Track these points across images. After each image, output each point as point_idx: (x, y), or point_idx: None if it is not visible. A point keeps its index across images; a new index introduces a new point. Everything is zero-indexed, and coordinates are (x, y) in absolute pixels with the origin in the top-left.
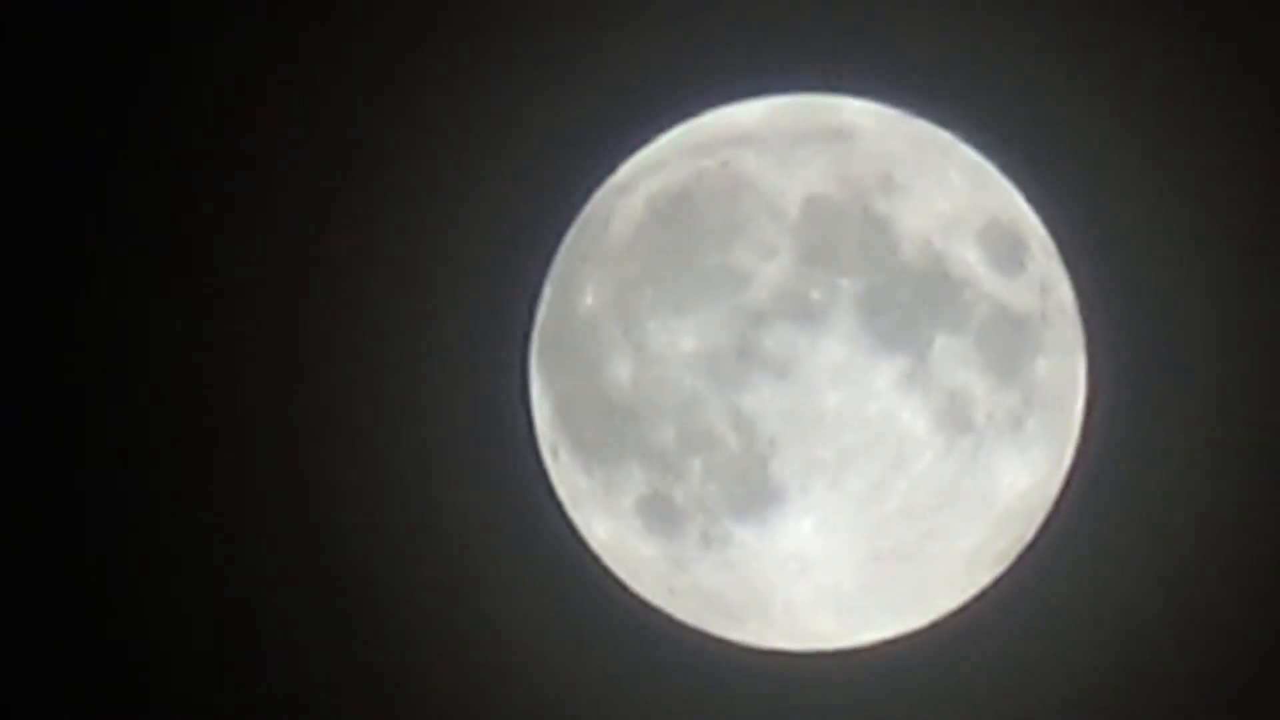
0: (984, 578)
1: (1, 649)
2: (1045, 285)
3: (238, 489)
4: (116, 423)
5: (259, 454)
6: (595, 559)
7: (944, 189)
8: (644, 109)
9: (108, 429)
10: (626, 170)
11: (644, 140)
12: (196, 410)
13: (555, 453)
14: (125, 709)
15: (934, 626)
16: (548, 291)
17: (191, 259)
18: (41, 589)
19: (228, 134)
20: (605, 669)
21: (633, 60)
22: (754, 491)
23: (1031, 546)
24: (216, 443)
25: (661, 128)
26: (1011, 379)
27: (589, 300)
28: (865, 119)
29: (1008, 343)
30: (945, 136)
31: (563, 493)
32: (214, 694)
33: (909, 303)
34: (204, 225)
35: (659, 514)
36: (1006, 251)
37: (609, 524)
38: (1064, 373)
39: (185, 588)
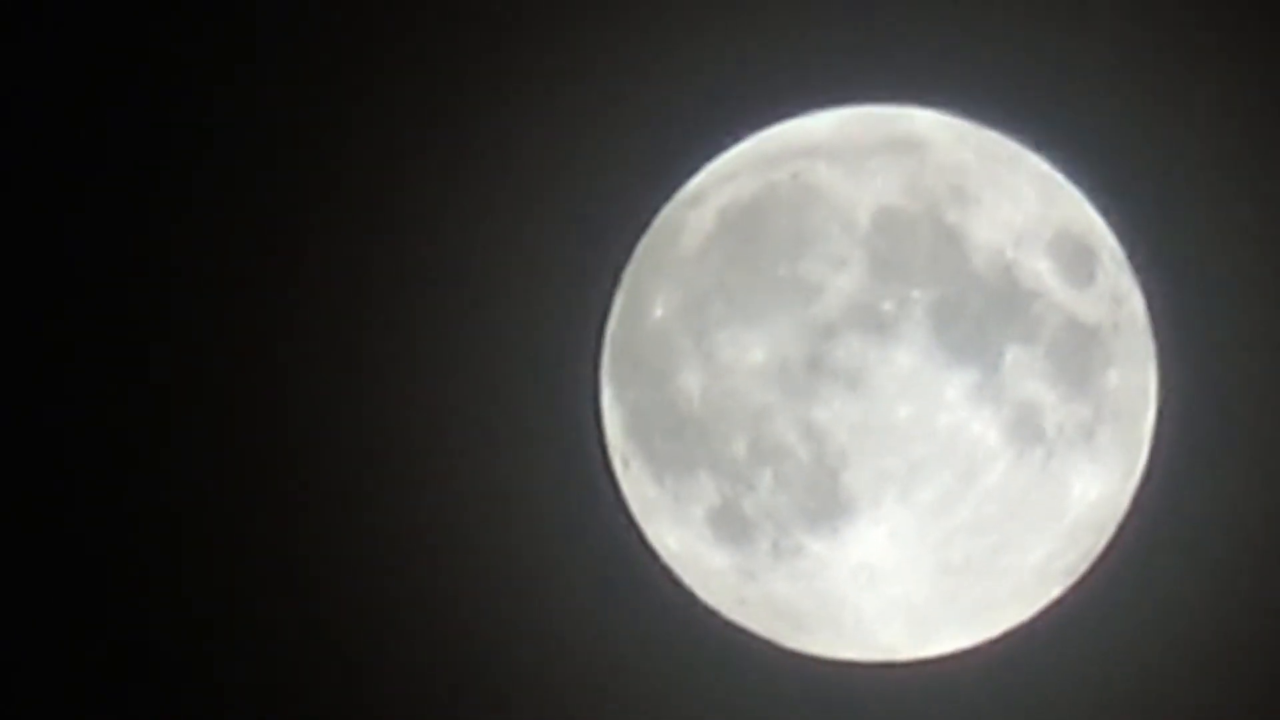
0: (1054, 590)
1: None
2: (1116, 296)
3: (302, 500)
4: (177, 419)
5: (327, 463)
6: (666, 569)
7: (1014, 200)
8: (714, 121)
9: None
10: (697, 182)
11: (715, 152)
12: (259, 414)
13: (626, 463)
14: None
15: (1003, 638)
16: (619, 302)
17: (257, 266)
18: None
19: (292, 131)
20: (675, 679)
21: (703, 72)
22: (824, 503)
23: (1102, 558)
24: (280, 455)
25: (732, 140)
26: (1082, 390)
27: (659, 311)
28: (935, 130)
29: (1078, 354)
30: (1015, 147)
31: (633, 503)
32: (269, 696)
33: (979, 314)
34: (272, 228)
35: (729, 525)
36: (1077, 262)
37: (679, 534)
38: (1135, 384)
39: (236, 595)
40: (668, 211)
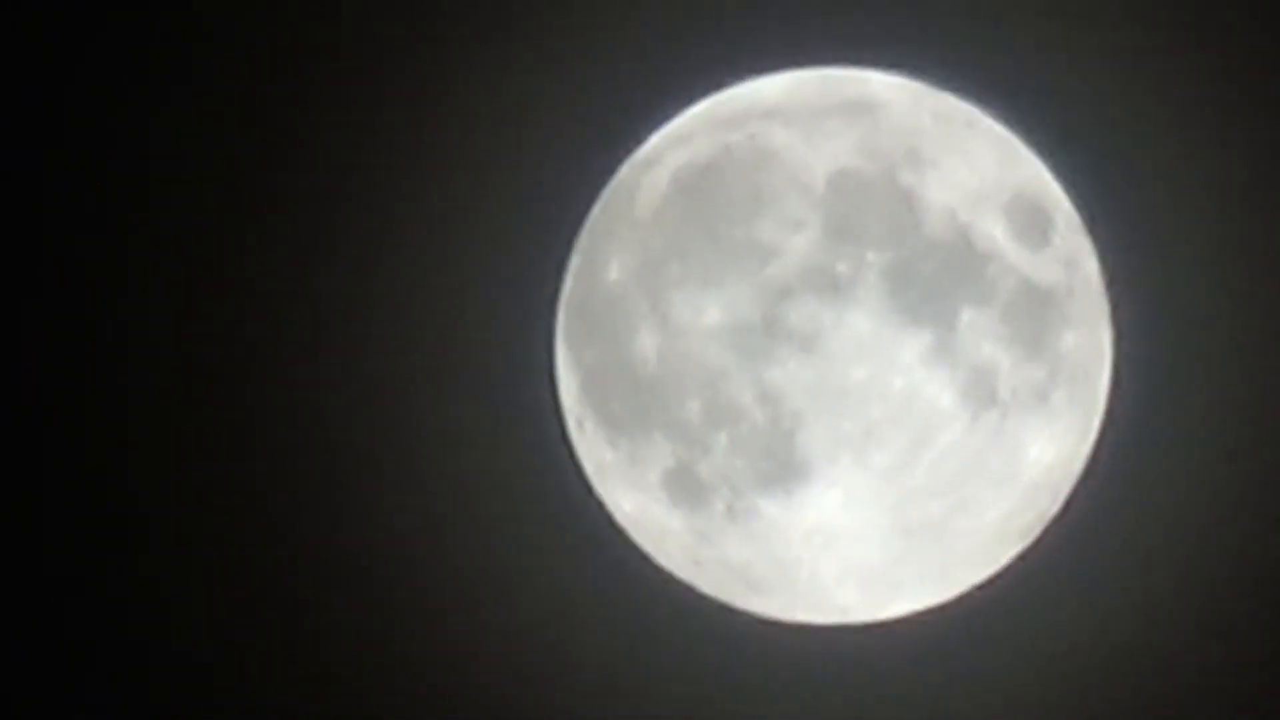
0: (1010, 551)
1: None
2: (1071, 259)
3: (254, 464)
4: (137, 394)
5: (277, 427)
6: (620, 532)
7: (970, 163)
8: (669, 83)
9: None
10: (652, 144)
11: (669, 114)
12: (212, 383)
13: (581, 425)
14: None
15: (960, 600)
16: (573, 264)
17: (212, 236)
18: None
19: (248, 101)
20: (630, 641)
21: (658, 34)
22: (779, 465)
23: (1057, 520)
24: (226, 419)
25: (687, 101)
26: (1037, 352)
27: (614, 273)
28: (892, 92)
29: (1033, 316)
30: (971, 110)
31: (588, 465)
32: (234, 673)
33: (935, 277)
34: (216, 203)
35: (684, 487)
36: (1032, 225)
37: (634, 497)
38: (1090, 346)
39: (208, 566)
40: (623, 174)
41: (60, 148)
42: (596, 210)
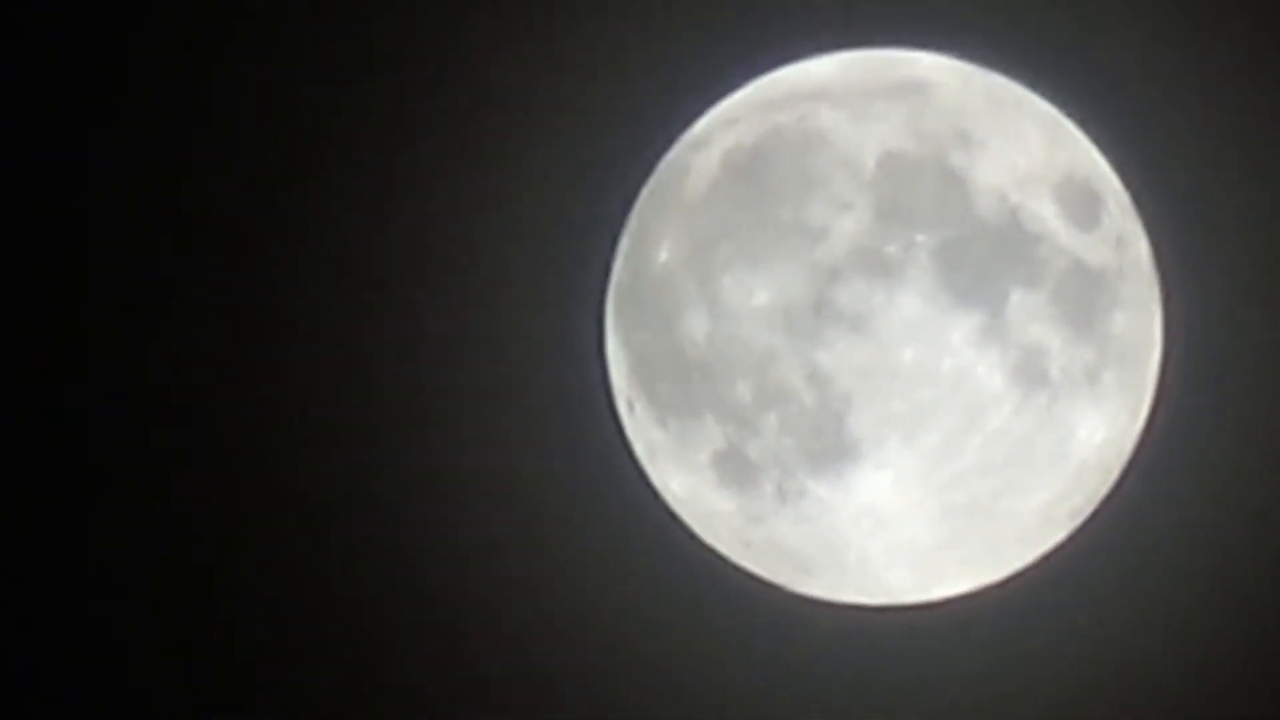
0: (1059, 533)
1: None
2: (1121, 240)
3: (299, 447)
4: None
5: (328, 409)
6: (671, 513)
7: (1020, 144)
8: (719, 65)
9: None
10: (702, 126)
11: (719, 96)
12: (256, 367)
13: (631, 407)
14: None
15: (1008, 581)
16: (624, 246)
17: (260, 221)
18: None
19: (290, 86)
20: (680, 622)
21: (707, 17)
22: (829, 446)
23: (1106, 502)
24: (277, 405)
25: (737, 84)
26: (1087, 333)
27: (664, 255)
28: (940, 73)
29: (1083, 297)
30: (1020, 90)
31: (639, 447)
32: (277, 658)
33: (984, 258)
34: (264, 188)
35: (734, 468)
36: (1082, 206)
37: (684, 478)
38: (1140, 327)
39: (251, 545)
40: (672, 156)
41: (107, 126)
42: (646, 193)
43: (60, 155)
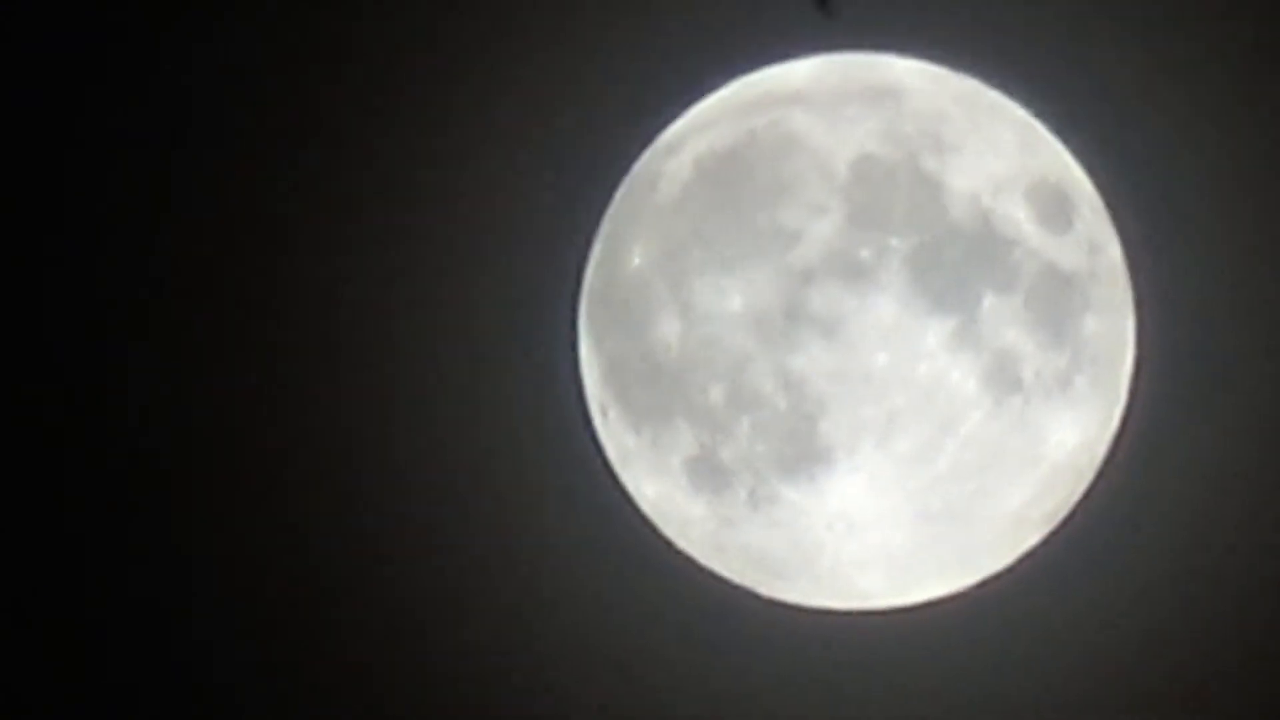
0: (1032, 537)
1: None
2: (1094, 244)
3: (275, 457)
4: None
5: (296, 418)
6: (643, 518)
7: (993, 148)
8: (691, 69)
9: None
10: (675, 130)
11: (692, 100)
12: (235, 374)
13: (604, 412)
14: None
15: (982, 586)
16: (596, 251)
17: (235, 227)
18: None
19: (269, 80)
20: (652, 627)
21: (680, 20)
22: (802, 451)
23: (1080, 505)
24: (243, 411)
25: (709, 88)
26: (1060, 338)
27: (637, 260)
28: (914, 78)
29: (1056, 302)
30: (994, 95)
31: (611, 452)
32: (258, 663)
33: (958, 262)
34: (239, 195)
35: (707, 473)
36: (1055, 210)
37: (657, 483)
38: (1113, 332)
39: (229, 558)
40: (645, 160)
41: (85, 142)
42: (619, 197)
43: (46, 154)
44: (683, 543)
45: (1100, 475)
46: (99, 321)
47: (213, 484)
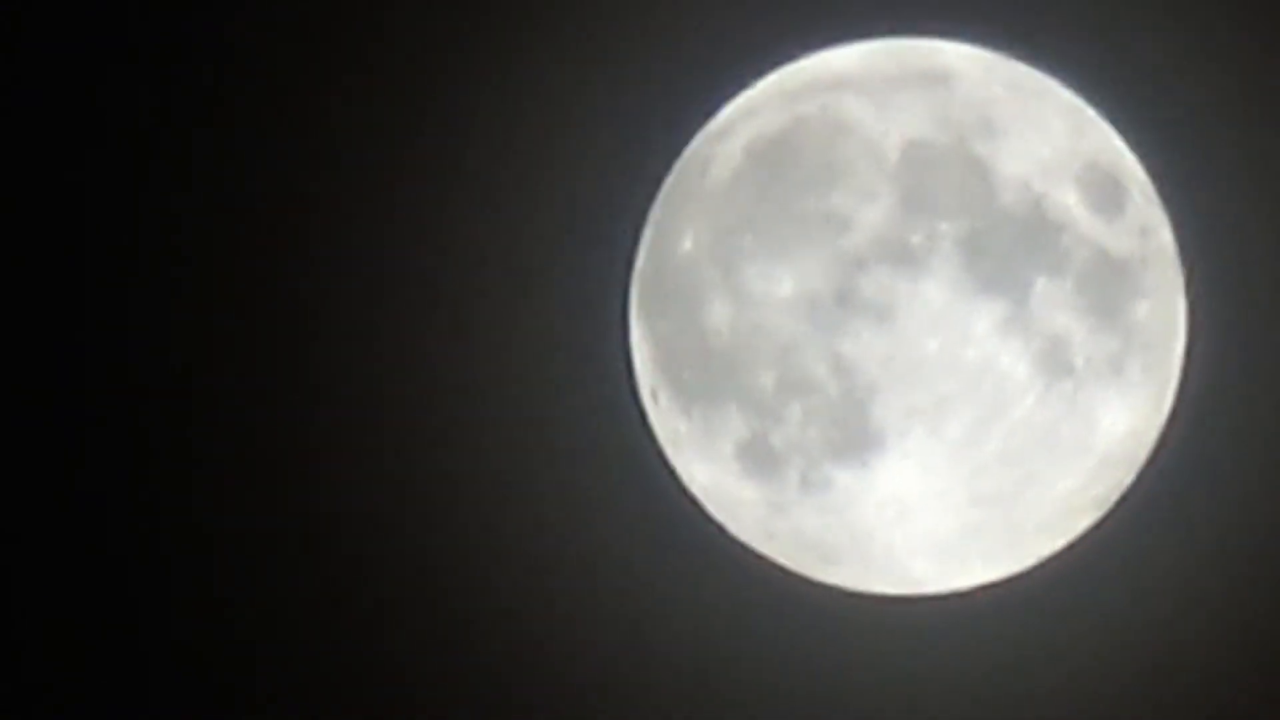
0: (1083, 522)
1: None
2: (1145, 228)
3: (318, 441)
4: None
5: (348, 396)
6: (694, 502)
7: (1043, 132)
8: (741, 55)
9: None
10: (725, 116)
11: (742, 86)
12: (274, 360)
13: (655, 396)
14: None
15: (1033, 571)
16: (647, 236)
17: (297, 204)
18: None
19: (314, 73)
20: (704, 612)
21: (732, 6)
22: (853, 436)
23: (1131, 491)
24: (296, 401)
25: (759, 73)
26: (1111, 322)
27: (688, 245)
28: (964, 62)
29: (1107, 286)
30: (1044, 79)
31: (662, 436)
32: (303, 651)
33: (1008, 247)
34: (290, 178)
35: (758, 458)
36: (1106, 195)
37: (708, 468)
38: (1164, 316)
39: (273, 539)
40: (696, 145)
41: (123, 120)
42: (670, 183)
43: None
44: (734, 528)
45: (1151, 460)
46: (125, 307)
47: (263, 466)
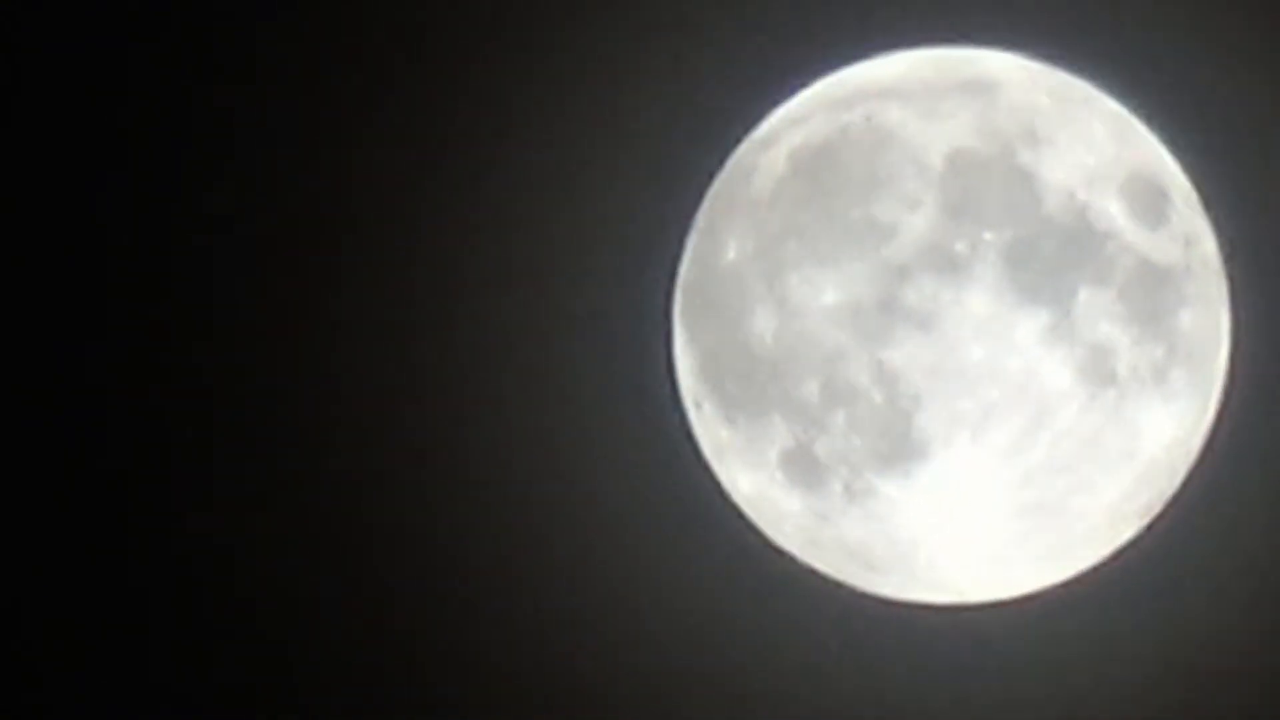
0: (1127, 531)
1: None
2: (1189, 237)
3: (361, 446)
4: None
5: (392, 409)
6: (738, 512)
7: (1087, 141)
8: (786, 63)
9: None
10: (769, 124)
11: (786, 95)
12: (322, 359)
13: (699, 406)
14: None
15: (1077, 580)
16: (691, 245)
17: (329, 216)
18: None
19: (353, 74)
20: (747, 621)
21: (775, 15)
22: (897, 445)
23: (1175, 500)
24: (343, 403)
25: (803, 82)
26: (1155, 331)
27: (732, 254)
28: (1008, 71)
29: (1151, 295)
30: (1088, 88)
31: (706, 446)
32: (351, 657)
33: (1052, 256)
34: (338, 183)
35: (802, 467)
36: (1150, 204)
37: (752, 477)
38: (1208, 325)
39: (312, 544)
40: (740, 154)
41: (169, 107)
42: (713, 191)
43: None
44: (778, 537)
45: (1195, 469)
46: (164, 313)
47: (300, 472)
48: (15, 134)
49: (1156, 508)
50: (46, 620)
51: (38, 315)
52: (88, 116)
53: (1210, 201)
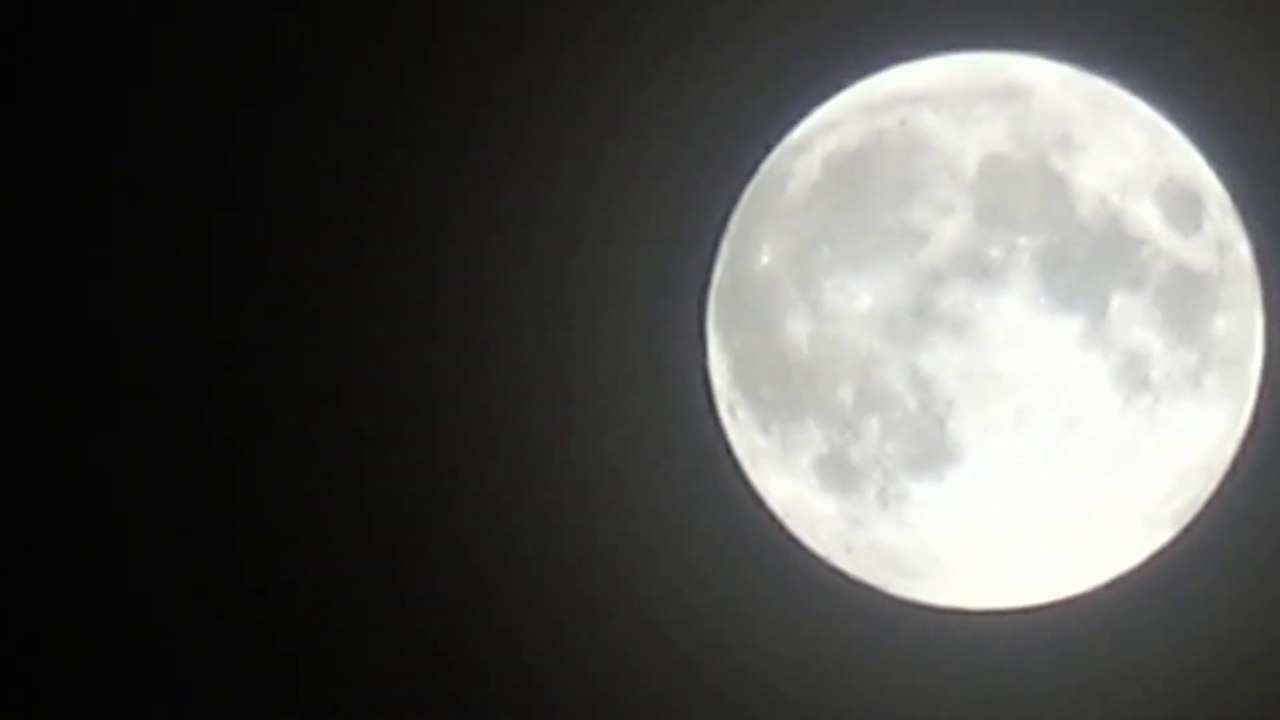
0: (1162, 536)
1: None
2: (1223, 243)
3: (397, 451)
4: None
5: (431, 409)
6: (772, 517)
7: (1121, 147)
8: (820, 69)
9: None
10: (803, 130)
11: (820, 100)
12: (356, 376)
13: (733, 411)
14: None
15: (1111, 585)
16: (725, 250)
17: (360, 223)
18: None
19: (383, 74)
20: (781, 626)
21: (810, 20)
22: (931, 450)
23: (1209, 505)
24: (383, 414)
25: (838, 87)
26: (1189, 337)
27: (765, 259)
28: (1042, 77)
29: (1185, 301)
30: (1121, 94)
31: (740, 451)
32: (384, 651)
33: (1086, 261)
34: (366, 188)
35: (836, 472)
36: (1184, 209)
37: (786, 482)
38: (1242, 330)
39: (348, 546)
40: (774, 159)
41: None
42: (747, 197)
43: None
44: (812, 542)
45: (1229, 474)
46: (191, 328)
47: (336, 481)
48: (15, 134)
49: (1191, 514)
50: (46, 620)
51: (37, 315)
52: (88, 116)
53: (1244, 207)
